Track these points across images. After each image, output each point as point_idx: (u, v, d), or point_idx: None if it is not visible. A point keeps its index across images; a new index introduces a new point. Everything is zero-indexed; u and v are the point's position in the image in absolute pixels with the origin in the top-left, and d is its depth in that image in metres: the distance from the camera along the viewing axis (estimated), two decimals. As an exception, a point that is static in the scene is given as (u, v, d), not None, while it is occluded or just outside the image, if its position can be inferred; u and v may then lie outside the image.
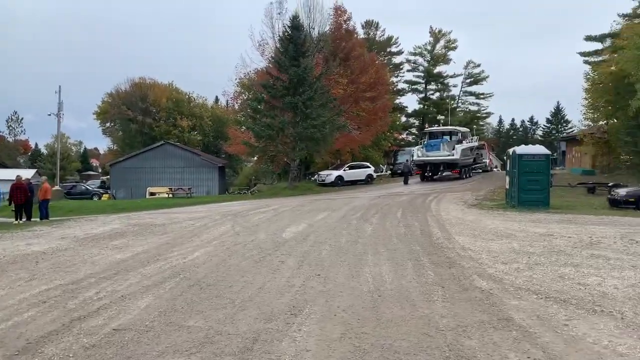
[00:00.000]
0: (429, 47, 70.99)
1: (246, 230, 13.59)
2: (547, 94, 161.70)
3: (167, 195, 38.71)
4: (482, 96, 74.39)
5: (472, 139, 40.07)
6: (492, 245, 10.44)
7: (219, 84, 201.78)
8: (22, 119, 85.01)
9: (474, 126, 69.06)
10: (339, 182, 35.20)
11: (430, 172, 35.90)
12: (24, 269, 9.04)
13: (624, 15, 38.12)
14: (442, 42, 70.52)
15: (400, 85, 71.40)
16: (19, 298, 6.97)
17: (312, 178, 39.84)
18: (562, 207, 18.03)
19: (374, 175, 38.77)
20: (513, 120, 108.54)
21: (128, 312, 6.19)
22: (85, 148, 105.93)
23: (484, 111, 76.71)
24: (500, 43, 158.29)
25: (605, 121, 37.84)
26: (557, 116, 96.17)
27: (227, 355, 4.75)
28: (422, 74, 71.73)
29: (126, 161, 47.00)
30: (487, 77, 73.08)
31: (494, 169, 47.16)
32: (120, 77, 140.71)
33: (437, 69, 71.50)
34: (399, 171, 39.48)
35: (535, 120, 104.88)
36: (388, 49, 68.28)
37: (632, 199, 17.06)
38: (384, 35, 67.04)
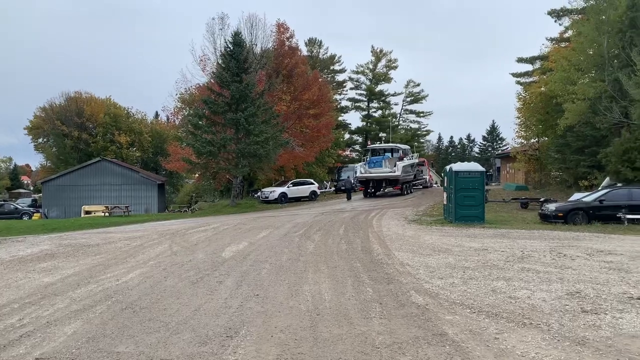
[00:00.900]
0: (370, 66, 72.48)
1: (184, 250, 13.25)
2: (483, 113, 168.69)
3: (103, 214, 37.26)
4: (422, 114, 76.59)
5: (412, 156, 41.06)
6: (430, 260, 10.66)
7: (159, 99, 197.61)
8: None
9: (415, 143, 70.95)
10: (283, 199, 35.07)
11: (372, 188, 36.39)
12: (-60, 296, 8.41)
13: (551, 39, 40.46)
14: (383, 62, 72.21)
15: (344, 103, 72.54)
16: None
17: (256, 195, 39.50)
18: (497, 222, 18.70)
19: (318, 192, 38.92)
20: (452, 137, 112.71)
21: (53, 339, 5.86)
22: (15, 165, 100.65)
23: (424, 129, 78.95)
24: (438, 64, 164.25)
25: (536, 139, 39.78)
26: (493, 134, 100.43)
27: (157, 383, 4.57)
28: (365, 92, 73.07)
29: (60, 178, 44.92)
30: (426, 96, 75.37)
31: (434, 185, 48.38)
32: (54, 91, 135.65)
33: (379, 88, 73.07)
34: (343, 188, 39.85)
35: (472, 138, 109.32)
36: (331, 67, 69.25)
37: (561, 214, 17.90)
38: (327, 53, 68.07)
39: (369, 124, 72.06)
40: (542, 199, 24.87)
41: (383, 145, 41.09)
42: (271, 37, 39.02)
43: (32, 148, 69.63)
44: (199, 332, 6.03)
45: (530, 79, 42.86)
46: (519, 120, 40.00)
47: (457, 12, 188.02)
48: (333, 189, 46.27)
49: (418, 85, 74.96)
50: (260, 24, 38.24)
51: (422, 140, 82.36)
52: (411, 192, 38.03)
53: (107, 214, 37.07)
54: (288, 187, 36.46)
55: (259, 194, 38.20)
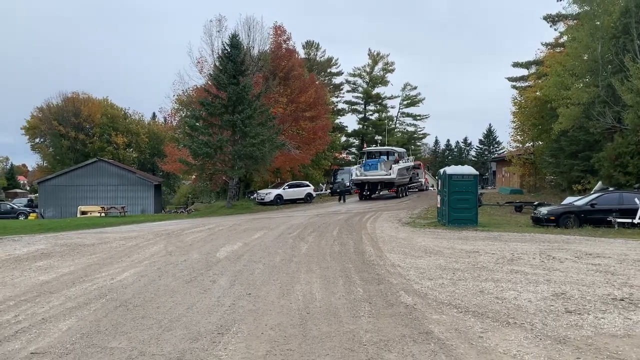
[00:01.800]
0: (367, 69, 72.79)
1: (179, 250, 13.38)
2: (480, 116, 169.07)
3: (99, 215, 37.32)
4: (418, 117, 76.94)
5: (408, 159, 41.29)
6: (421, 262, 10.82)
7: (156, 100, 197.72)
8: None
9: (412, 146, 71.24)
10: (278, 201, 35.24)
11: (368, 191, 36.58)
12: (-64, 293, 8.52)
13: (547, 44, 40.79)
14: (380, 65, 72.54)
15: (341, 106, 72.80)
16: None
17: (252, 197, 39.65)
18: (490, 225, 18.88)
19: (314, 194, 39.09)
20: (448, 141, 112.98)
21: (48, 335, 5.99)
22: (12, 164, 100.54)
23: (421, 132, 79.26)
24: (436, 67, 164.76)
25: (531, 143, 40.07)
26: (489, 137, 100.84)
27: (148, 376, 4.71)
28: (362, 95, 73.34)
29: (56, 178, 44.96)
30: (423, 99, 75.72)
31: (430, 188, 48.61)
32: (51, 91, 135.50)
33: (376, 91, 73.36)
34: (338, 190, 40.09)
35: (469, 141, 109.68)
36: (328, 70, 69.55)
37: (553, 217, 18.11)
38: (324, 56, 68.36)
39: (365, 127, 72.34)
40: (535, 203, 25.09)
41: (379, 148, 41.38)
42: (268, 39, 39.34)
43: (29, 148, 69.39)
44: (190, 329, 6.17)
45: (526, 84, 43.18)
46: (514, 124, 40.31)
47: (455, 15, 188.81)
48: (329, 191, 46.46)
49: (415, 88, 75.39)
50: (258, 27, 38.57)
51: (418, 144, 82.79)
52: (407, 195, 38.25)
53: (103, 214, 37.14)
54: (284, 189, 36.62)
55: (254, 195, 38.36)
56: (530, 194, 36.79)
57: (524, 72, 44.87)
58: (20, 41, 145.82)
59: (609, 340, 5.60)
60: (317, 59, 67.17)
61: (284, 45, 40.29)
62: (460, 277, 9.09)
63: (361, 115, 74.00)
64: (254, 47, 38.26)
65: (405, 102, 76.10)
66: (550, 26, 37.63)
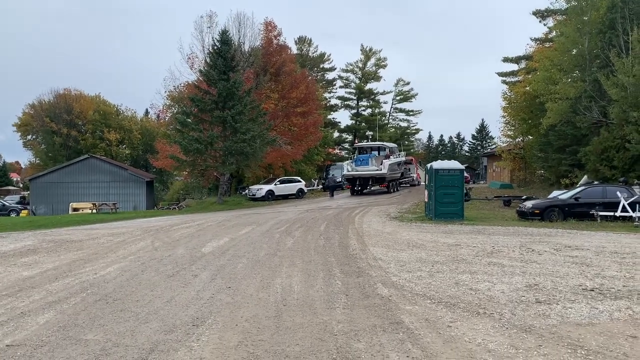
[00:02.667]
0: (360, 65, 72.89)
1: (165, 246, 13.48)
2: (473, 112, 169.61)
3: (91, 211, 37.30)
4: (411, 113, 77.22)
5: (399, 154, 41.43)
6: (402, 255, 10.97)
7: (149, 96, 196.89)
8: None
9: (405, 142, 71.44)
10: (270, 197, 35.35)
11: (359, 186, 36.71)
12: None
13: (536, 40, 40.96)
14: (372, 60, 72.65)
15: (333, 101, 72.93)
16: None
17: (244, 193, 39.72)
18: (476, 219, 19.07)
19: (305, 189, 39.21)
20: (442, 136, 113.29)
21: (25, 328, 6.10)
22: (4, 161, 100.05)
23: (414, 127, 79.59)
24: (429, 62, 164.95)
25: (521, 138, 40.28)
26: (482, 132, 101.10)
27: (120, 366, 4.83)
28: (354, 91, 73.46)
29: (47, 175, 44.88)
30: (416, 94, 75.97)
31: (422, 183, 48.70)
32: (43, 88, 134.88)
33: (368, 86, 73.54)
34: (329, 185, 40.27)
35: (462, 137, 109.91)
36: (321, 65, 69.56)
37: (538, 211, 18.31)
38: (317, 51, 68.39)
39: (358, 123, 72.48)
40: (524, 197, 25.29)
41: (370, 143, 41.46)
42: (259, 35, 39.26)
43: (20, 145, 69.25)
44: (167, 321, 6.28)
45: (516, 79, 43.38)
46: (504, 119, 40.51)
47: (447, 11, 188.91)
48: (321, 186, 46.60)
49: (408, 84, 75.63)
50: (249, 22, 38.49)
51: (411, 139, 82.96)
52: (398, 190, 38.43)
53: (94, 210, 37.13)
54: (275, 184, 36.73)
55: (246, 191, 38.43)
56: (520, 188, 37.03)
57: (514, 67, 45.12)
58: (11, 37, 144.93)
59: (573, 328, 5.76)
60: (310, 54, 67.19)
61: (275, 41, 40.26)
62: (439, 270, 9.24)
63: (354, 111, 74.20)
64: (244, 43, 38.25)
65: (398, 98, 76.37)
66: (540, 21, 37.85)
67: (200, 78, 34.59)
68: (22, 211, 42.40)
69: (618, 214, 17.14)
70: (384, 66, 72.68)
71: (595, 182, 21.31)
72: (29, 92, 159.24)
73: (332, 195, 35.12)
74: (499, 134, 65.01)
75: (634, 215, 16.67)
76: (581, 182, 23.04)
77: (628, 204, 17.02)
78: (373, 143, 41.45)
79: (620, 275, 8.49)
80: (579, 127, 25.66)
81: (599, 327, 5.79)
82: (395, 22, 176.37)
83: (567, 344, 5.25)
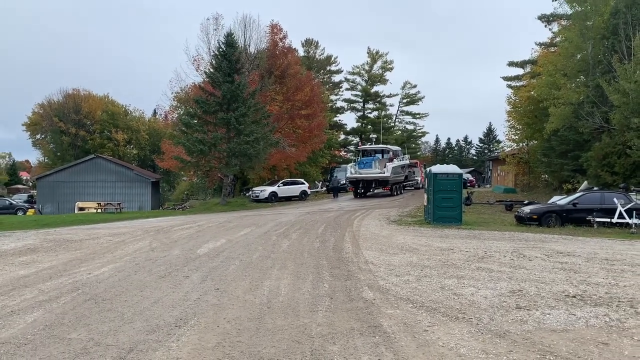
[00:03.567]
0: (366, 67, 72.93)
1: (162, 247, 13.65)
2: (480, 115, 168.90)
3: (96, 211, 37.66)
4: (418, 116, 77.11)
5: (403, 157, 41.48)
6: (394, 259, 11.06)
7: (158, 97, 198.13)
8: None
9: (412, 144, 71.38)
10: (273, 198, 35.52)
11: (362, 188, 36.83)
12: None
13: (541, 44, 40.88)
14: (379, 63, 72.64)
15: (340, 104, 73.00)
16: None
17: (248, 194, 39.95)
18: (474, 224, 19.11)
19: (308, 191, 39.34)
20: (449, 139, 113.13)
21: (12, 326, 6.27)
22: (14, 160, 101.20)
23: (420, 130, 79.38)
24: (436, 65, 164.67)
25: (525, 142, 40.22)
26: (489, 136, 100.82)
27: (98, 365, 4.98)
28: (360, 93, 73.50)
29: (54, 175, 45.36)
30: (422, 97, 75.92)
31: (426, 187, 48.80)
32: (52, 88, 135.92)
33: (375, 89, 73.54)
34: (332, 187, 40.43)
35: (469, 140, 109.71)
36: (328, 68, 69.71)
37: (535, 216, 18.33)
38: (323, 54, 68.52)
39: (364, 125, 72.51)
40: (525, 202, 25.29)
41: (374, 146, 41.54)
42: (265, 37, 39.51)
43: (30, 144, 69.97)
44: (151, 322, 6.43)
45: (520, 83, 43.30)
46: (509, 123, 40.49)
47: (455, 14, 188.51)
48: (325, 188, 46.74)
49: (414, 86, 75.60)
50: (255, 25, 38.78)
51: (418, 142, 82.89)
52: (401, 193, 38.49)
53: (100, 210, 37.48)
54: (278, 186, 36.91)
55: (249, 192, 38.64)
56: (523, 192, 36.97)
57: (519, 71, 45.05)
58: (22, 37, 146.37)
59: (547, 334, 5.84)
60: (317, 57, 67.36)
61: (280, 44, 40.50)
62: (427, 274, 9.33)
63: (360, 114, 74.22)
64: (250, 45, 38.52)
65: (404, 101, 76.32)
66: (545, 26, 37.76)
67: (206, 80, 34.87)
68: (29, 210, 42.88)
69: (615, 220, 17.13)
70: (391, 69, 72.72)
71: (595, 188, 21.28)
72: (38, 91, 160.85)
73: (336, 197, 35.23)
74: (504, 138, 64.90)
75: (630, 222, 16.65)
76: (582, 187, 23.00)
77: (625, 210, 17.00)
78: (377, 146, 41.54)
79: (605, 282, 8.54)
80: (581, 132, 25.63)
81: (572, 334, 5.86)
82: (403, 24, 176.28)
83: (538, 349, 5.34)
